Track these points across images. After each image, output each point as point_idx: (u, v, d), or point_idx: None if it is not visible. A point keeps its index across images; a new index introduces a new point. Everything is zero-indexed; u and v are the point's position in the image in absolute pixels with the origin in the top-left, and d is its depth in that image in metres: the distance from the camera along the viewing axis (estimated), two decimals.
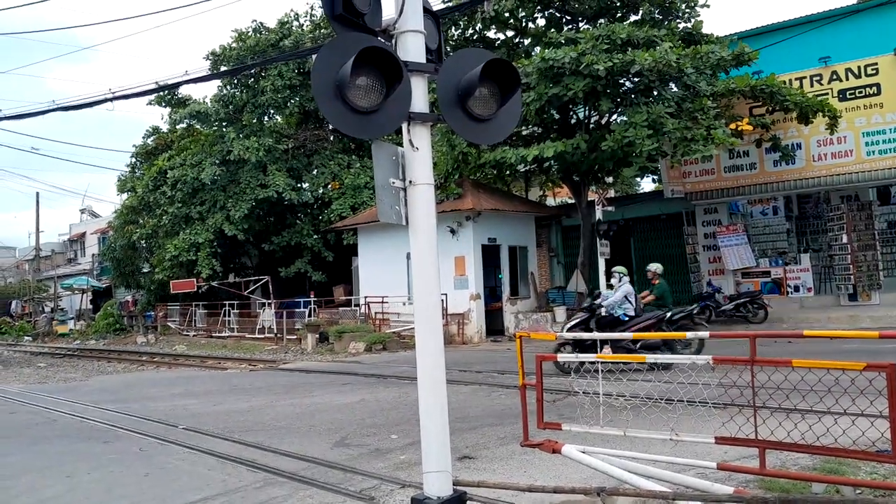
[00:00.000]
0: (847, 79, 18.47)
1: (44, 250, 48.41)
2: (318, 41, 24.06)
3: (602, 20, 18.36)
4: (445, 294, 18.55)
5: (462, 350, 17.90)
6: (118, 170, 60.21)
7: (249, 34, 26.59)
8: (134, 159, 34.24)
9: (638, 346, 10.51)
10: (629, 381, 6.15)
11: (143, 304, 33.76)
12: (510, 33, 21.03)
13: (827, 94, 18.45)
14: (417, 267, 3.65)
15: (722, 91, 16.86)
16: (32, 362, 23.17)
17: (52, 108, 14.47)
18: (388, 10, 3.71)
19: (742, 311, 18.07)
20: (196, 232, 26.54)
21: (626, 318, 11.64)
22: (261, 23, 27.13)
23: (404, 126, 3.58)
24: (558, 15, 19.83)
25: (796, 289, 19.65)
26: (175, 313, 30.95)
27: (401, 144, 3.65)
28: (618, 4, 18.39)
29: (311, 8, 26.91)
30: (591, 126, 18.39)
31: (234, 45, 26.20)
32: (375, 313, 21.64)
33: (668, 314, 12.11)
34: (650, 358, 5.03)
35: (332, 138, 28.12)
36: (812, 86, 18.76)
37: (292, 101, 26.62)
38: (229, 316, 27.38)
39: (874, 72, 18.13)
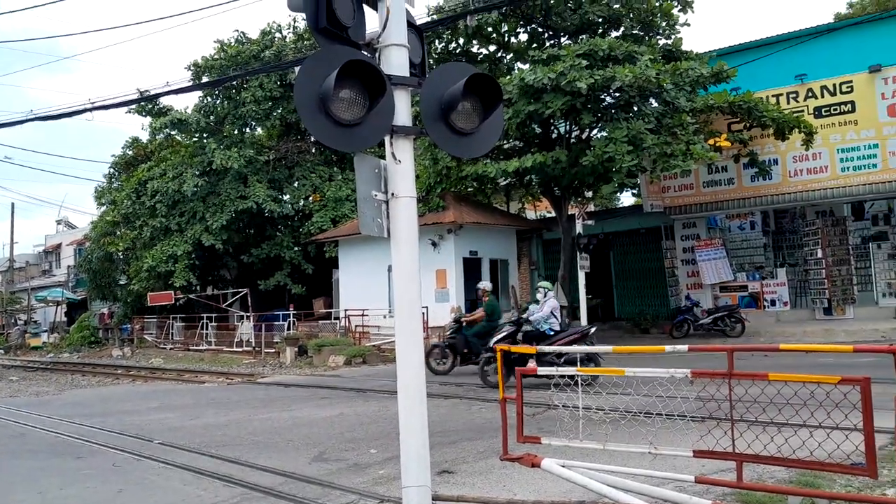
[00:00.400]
0: (822, 96, 18.84)
1: (18, 262, 47.54)
2: (301, 52, 24.05)
3: (583, 36, 18.55)
4: (427, 307, 18.52)
5: None
6: (96, 180, 59.75)
7: (232, 44, 26.53)
8: (112, 170, 33.93)
9: (562, 360, 10.51)
10: (608, 395, 6.17)
11: (119, 317, 33.25)
12: (493, 48, 21.19)
13: (803, 110, 18.79)
14: (399, 280, 3.64)
15: (701, 107, 17.09)
16: (4, 375, 22.69)
17: (29, 117, 14.23)
18: (372, 24, 3.73)
19: (720, 325, 18.24)
20: (175, 243, 26.26)
21: (552, 333, 11.70)
22: (243, 33, 27.13)
23: (387, 139, 3.58)
24: (540, 30, 20.01)
25: (773, 303, 19.90)
26: (152, 326, 30.56)
27: (383, 157, 3.65)
28: (599, 20, 18.59)
29: (294, 20, 26.94)
30: (572, 140, 18.53)
31: (216, 56, 26.10)
32: (356, 326, 21.52)
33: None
34: (629, 371, 5.04)
35: (313, 150, 28.07)
36: (788, 102, 19.11)
37: (274, 112, 26.53)
38: (207, 329, 27.06)
39: (849, 89, 18.51)
